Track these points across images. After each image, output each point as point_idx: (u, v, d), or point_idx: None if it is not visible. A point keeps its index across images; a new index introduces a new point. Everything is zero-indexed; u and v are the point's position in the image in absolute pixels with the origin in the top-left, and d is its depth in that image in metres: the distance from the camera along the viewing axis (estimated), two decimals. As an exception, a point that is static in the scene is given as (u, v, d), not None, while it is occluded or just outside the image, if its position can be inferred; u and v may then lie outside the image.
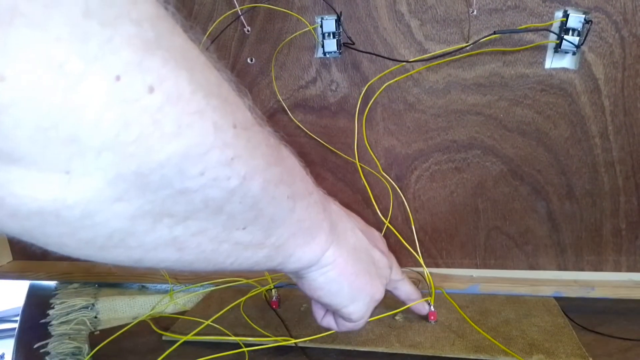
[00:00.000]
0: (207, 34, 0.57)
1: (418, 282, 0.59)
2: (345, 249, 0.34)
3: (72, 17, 0.14)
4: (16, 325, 0.61)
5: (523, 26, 0.49)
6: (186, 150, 0.18)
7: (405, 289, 0.46)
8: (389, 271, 0.40)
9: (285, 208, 0.26)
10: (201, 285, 0.63)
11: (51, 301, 0.61)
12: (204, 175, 0.19)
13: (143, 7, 0.17)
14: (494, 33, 0.48)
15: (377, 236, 0.42)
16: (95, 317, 0.59)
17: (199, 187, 0.20)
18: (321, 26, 0.53)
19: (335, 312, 0.39)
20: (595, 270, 0.56)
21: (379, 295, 0.38)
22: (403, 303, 0.49)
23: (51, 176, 0.15)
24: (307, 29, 0.54)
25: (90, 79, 0.15)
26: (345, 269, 0.34)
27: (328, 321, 0.42)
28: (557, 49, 0.49)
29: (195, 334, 0.52)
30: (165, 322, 0.56)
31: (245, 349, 0.49)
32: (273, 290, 0.57)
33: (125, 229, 0.19)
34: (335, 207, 0.35)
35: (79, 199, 0.16)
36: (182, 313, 0.58)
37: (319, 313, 0.42)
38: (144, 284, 0.65)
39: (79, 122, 0.15)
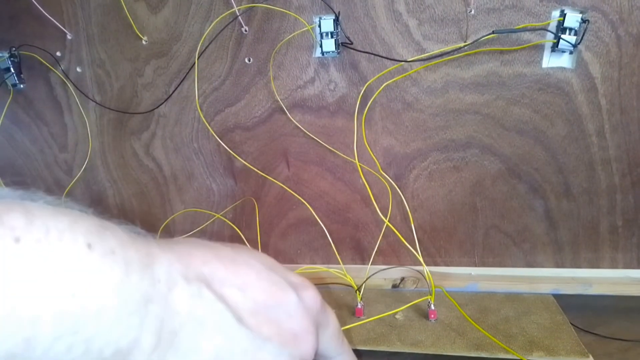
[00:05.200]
0: (205, 34, 0.57)
1: (417, 280, 0.60)
2: None
3: None
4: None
5: (520, 26, 0.49)
6: None
7: None
8: None
9: None
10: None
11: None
12: None
13: None
14: (492, 32, 0.49)
15: (291, 306, 0.25)
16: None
17: None
18: (319, 26, 0.53)
19: None
20: (593, 267, 0.57)
21: None
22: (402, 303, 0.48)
23: None
24: (305, 28, 0.54)
25: None
26: None
27: None
28: (554, 48, 0.49)
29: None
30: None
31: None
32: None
33: None
34: (183, 296, 0.21)
35: None
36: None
37: None
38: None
39: None
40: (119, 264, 0.18)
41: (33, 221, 0.16)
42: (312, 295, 0.27)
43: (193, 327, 0.21)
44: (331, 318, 0.29)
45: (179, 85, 0.60)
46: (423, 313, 0.53)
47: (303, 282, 0.27)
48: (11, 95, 0.67)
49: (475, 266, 0.60)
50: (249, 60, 0.57)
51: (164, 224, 0.68)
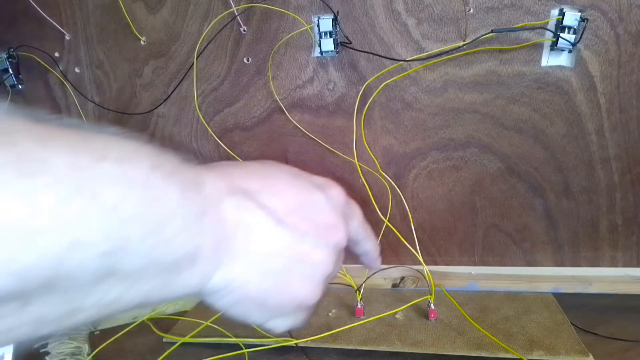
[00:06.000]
0: (204, 34, 0.57)
1: (417, 280, 0.60)
2: (245, 264, 0.25)
3: None
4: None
5: (519, 24, 0.49)
6: None
7: (365, 248, 0.36)
8: (330, 259, 0.29)
9: (97, 271, 0.19)
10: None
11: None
12: None
13: None
14: (491, 32, 0.49)
15: (320, 202, 0.29)
16: (95, 319, 0.59)
17: None
18: (318, 25, 0.53)
19: None
20: (592, 266, 0.57)
21: (310, 300, 0.28)
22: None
23: None
24: (303, 28, 0.54)
25: None
26: (247, 291, 0.26)
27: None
28: (553, 47, 0.49)
29: (196, 335, 0.52)
30: (166, 323, 0.56)
31: (245, 350, 0.49)
32: (273, 290, 0.57)
33: None
34: (230, 208, 0.25)
35: None
36: (183, 313, 0.58)
37: None
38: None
39: None
40: (177, 183, 0.21)
41: (110, 145, 0.20)
42: (336, 192, 0.31)
43: (242, 232, 0.25)
44: (355, 209, 0.34)
45: (177, 86, 0.60)
46: (423, 313, 0.53)
47: (327, 182, 0.32)
48: (9, 96, 0.67)
49: (475, 265, 0.60)
50: (248, 60, 0.57)
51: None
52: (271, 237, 0.26)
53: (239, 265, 0.25)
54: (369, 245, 0.37)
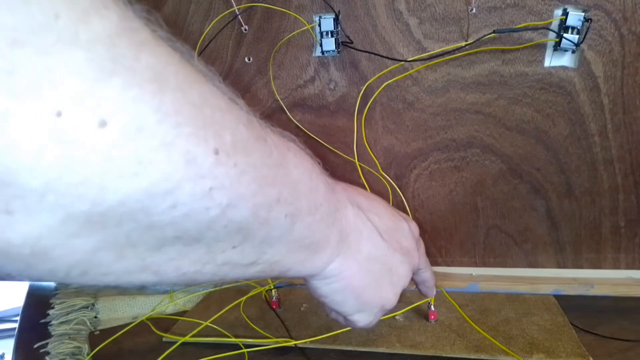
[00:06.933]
0: (205, 33, 0.57)
1: (418, 280, 0.60)
2: (355, 260, 0.31)
3: None
4: (16, 325, 0.61)
5: (522, 24, 0.48)
6: (148, 188, 0.17)
7: (423, 276, 0.43)
8: (409, 275, 0.36)
9: (281, 228, 0.24)
10: (201, 286, 0.63)
11: (51, 301, 0.61)
12: (176, 209, 0.18)
13: (98, 24, 0.15)
14: (493, 32, 0.48)
15: (405, 231, 0.37)
16: (95, 317, 0.59)
17: (169, 221, 0.18)
18: (319, 25, 0.52)
19: None
20: (595, 268, 0.57)
21: (390, 305, 0.35)
22: (409, 303, 0.48)
23: None
24: (305, 27, 0.54)
25: (24, 116, 0.13)
26: (351, 282, 0.31)
27: (336, 316, 0.40)
28: (557, 47, 0.48)
29: (196, 335, 0.52)
30: (165, 322, 0.56)
31: (244, 350, 0.49)
32: (273, 291, 0.57)
33: (87, 261, 0.18)
34: (350, 214, 0.31)
35: (26, 238, 0.15)
36: (182, 313, 0.58)
37: (327, 308, 0.40)
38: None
39: (13, 164, 0.14)
40: (324, 182, 0.28)
41: (286, 141, 0.27)
42: (414, 225, 0.39)
43: (355, 235, 0.31)
44: (422, 242, 0.40)
45: (178, 85, 0.60)
46: (423, 314, 0.52)
47: (407, 216, 0.39)
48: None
49: (476, 266, 0.60)
50: (249, 60, 0.57)
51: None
52: (375, 245, 0.33)
53: (351, 260, 0.31)
54: (428, 274, 0.43)
